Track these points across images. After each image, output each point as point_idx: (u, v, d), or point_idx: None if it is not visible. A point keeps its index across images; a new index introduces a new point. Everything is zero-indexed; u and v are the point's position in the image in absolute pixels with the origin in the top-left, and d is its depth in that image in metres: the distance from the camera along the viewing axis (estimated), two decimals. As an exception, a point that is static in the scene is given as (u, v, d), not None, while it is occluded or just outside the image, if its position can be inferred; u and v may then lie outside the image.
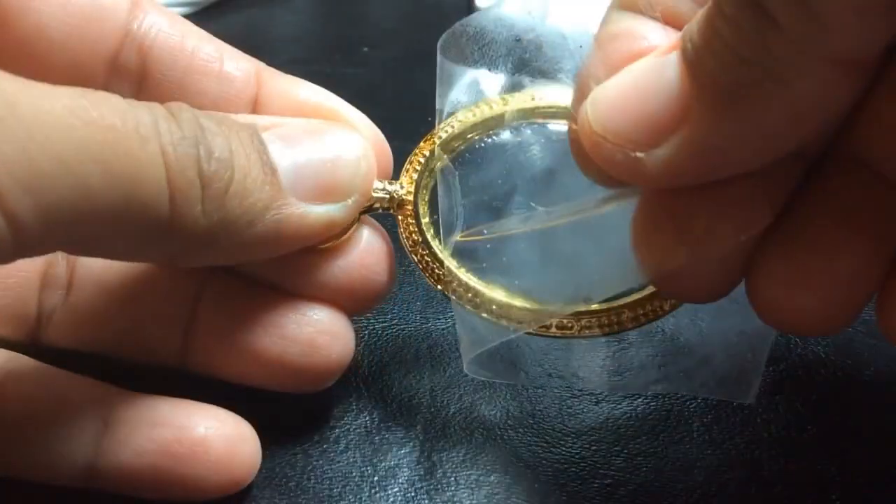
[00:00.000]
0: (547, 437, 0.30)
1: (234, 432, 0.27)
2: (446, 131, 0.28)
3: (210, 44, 0.29)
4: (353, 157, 0.27)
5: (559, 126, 0.28)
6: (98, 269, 0.29)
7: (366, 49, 0.50)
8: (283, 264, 0.28)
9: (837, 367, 0.32)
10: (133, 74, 0.28)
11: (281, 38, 0.51)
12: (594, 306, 0.27)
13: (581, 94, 0.23)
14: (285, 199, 0.25)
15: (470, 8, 0.52)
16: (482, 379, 0.31)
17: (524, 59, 0.27)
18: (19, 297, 0.29)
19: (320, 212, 0.26)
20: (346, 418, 0.30)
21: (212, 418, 0.27)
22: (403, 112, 0.43)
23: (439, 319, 0.34)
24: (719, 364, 0.28)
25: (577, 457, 0.29)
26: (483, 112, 0.28)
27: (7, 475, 0.27)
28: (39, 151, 0.19)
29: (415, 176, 0.29)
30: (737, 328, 0.27)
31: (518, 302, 0.27)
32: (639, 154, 0.21)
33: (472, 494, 0.28)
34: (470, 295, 0.28)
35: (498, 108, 0.28)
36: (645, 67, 0.22)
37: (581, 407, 0.31)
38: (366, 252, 0.28)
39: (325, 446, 0.30)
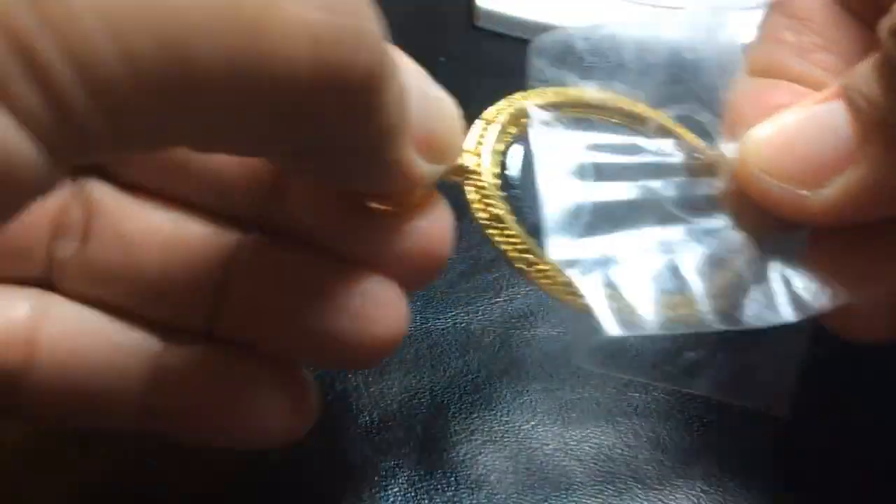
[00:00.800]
0: (547, 438, 0.30)
1: None
2: (542, 97, 0.26)
3: None
4: (458, 120, 0.24)
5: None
6: (117, 219, 0.25)
7: (366, 49, 0.50)
8: (339, 224, 0.25)
9: (838, 367, 0.32)
10: None
11: (281, 39, 0.51)
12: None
13: (729, 132, 0.25)
14: (408, 138, 0.21)
15: (470, 8, 0.51)
16: (597, 370, 0.29)
17: (680, 76, 0.26)
18: (25, 248, 0.25)
19: (420, 166, 0.22)
20: (346, 418, 0.30)
21: None
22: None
23: (439, 319, 0.34)
24: (760, 369, 0.27)
25: (577, 457, 0.29)
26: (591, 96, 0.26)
27: (61, 425, 0.25)
28: None
29: (487, 144, 0.25)
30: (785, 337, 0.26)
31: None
32: (804, 192, 0.23)
33: (472, 494, 0.28)
34: (548, 282, 0.25)
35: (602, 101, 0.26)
36: (808, 113, 0.23)
37: (581, 407, 0.31)
38: (435, 221, 0.25)
39: (325, 447, 0.30)
